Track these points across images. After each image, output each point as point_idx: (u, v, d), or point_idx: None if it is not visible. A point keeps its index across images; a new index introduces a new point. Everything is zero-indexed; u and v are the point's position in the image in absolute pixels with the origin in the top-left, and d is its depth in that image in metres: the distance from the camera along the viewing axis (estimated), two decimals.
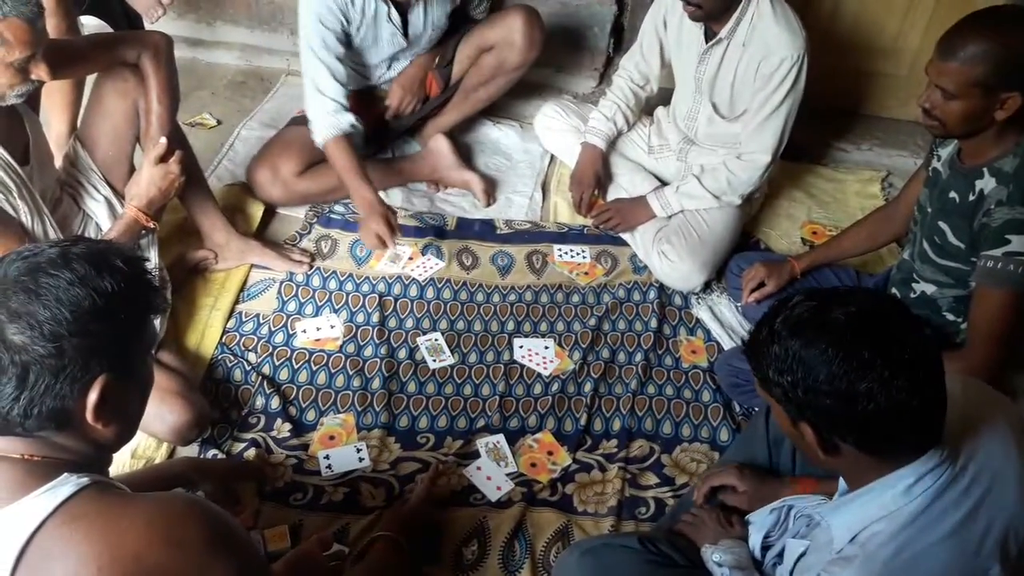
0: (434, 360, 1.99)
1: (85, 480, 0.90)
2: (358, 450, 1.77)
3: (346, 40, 2.21)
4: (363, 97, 2.46)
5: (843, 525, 1.01)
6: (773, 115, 2.08)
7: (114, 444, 1.01)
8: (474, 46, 2.44)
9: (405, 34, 2.31)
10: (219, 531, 0.92)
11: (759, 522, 1.30)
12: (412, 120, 2.57)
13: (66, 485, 0.89)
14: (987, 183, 1.50)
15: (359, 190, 2.14)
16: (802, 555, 1.12)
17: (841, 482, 1.09)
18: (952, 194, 1.57)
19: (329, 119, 2.15)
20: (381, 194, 2.43)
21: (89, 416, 0.92)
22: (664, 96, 2.44)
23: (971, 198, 1.53)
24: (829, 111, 2.78)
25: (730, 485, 1.41)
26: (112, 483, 0.97)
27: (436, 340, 2.04)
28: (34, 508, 0.87)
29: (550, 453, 1.81)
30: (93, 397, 0.91)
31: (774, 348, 0.98)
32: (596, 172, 2.37)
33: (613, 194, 2.41)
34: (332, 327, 2.05)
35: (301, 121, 2.27)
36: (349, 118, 2.16)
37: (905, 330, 0.95)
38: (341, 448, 1.78)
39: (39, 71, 1.50)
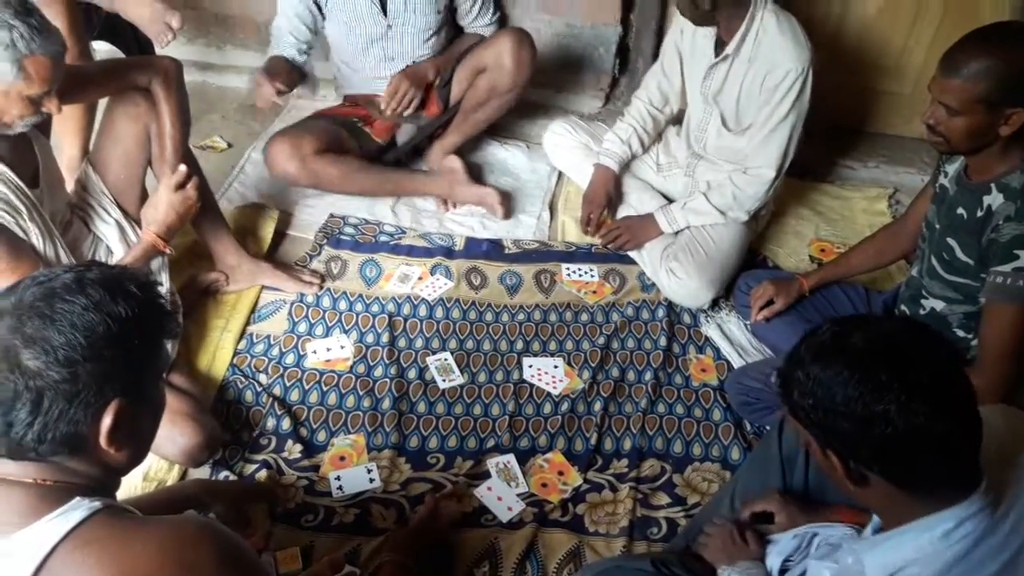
0: (443, 380, 1.99)
1: (97, 504, 0.91)
2: (369, 471, 1.77)
3: (318, 9, 2.39)
4: (366, 107, 2.52)
5: (877, 563, 0.99)
6: (778, 128, 2.09)
7: (125, 467, 1.01)
8: (470, 67, 2.48)
9: (384, 11, 2.37)
10: (230, 555, 0.93)
11: (780, 545, 1.29)
12: (420, 137, 2.60)
13: (78, 510, 0.89)
14: (995, 199, 1.50)
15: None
16: None
17: (875, 517, 1.07)
18: (960, 210, 1.57)
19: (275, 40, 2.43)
20: (389, 204, 2.51)
21: (103, 441, 0.92)
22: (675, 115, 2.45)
23: (979, 214, 1.52)
24: (834, 129, 2.78)
25: (770, 512, 1.37)
26: (124, 507, 0.97)
27: (445, 360, 2.04)
28: (46, 533, 0.87)
29: (561, 473, 1.80)
30: (107, 422, 0.91)
31: (798, 373, 0.99)
32: (608, 192, 2.38)
33: (622, 213, 2.41)
34: (342, 348, 2.06)
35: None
36: (288, 47, 2.41)
37: (925, 354, 0.94)
38: (352, 469, 1.78)
39: (51, 106, 1.54)
